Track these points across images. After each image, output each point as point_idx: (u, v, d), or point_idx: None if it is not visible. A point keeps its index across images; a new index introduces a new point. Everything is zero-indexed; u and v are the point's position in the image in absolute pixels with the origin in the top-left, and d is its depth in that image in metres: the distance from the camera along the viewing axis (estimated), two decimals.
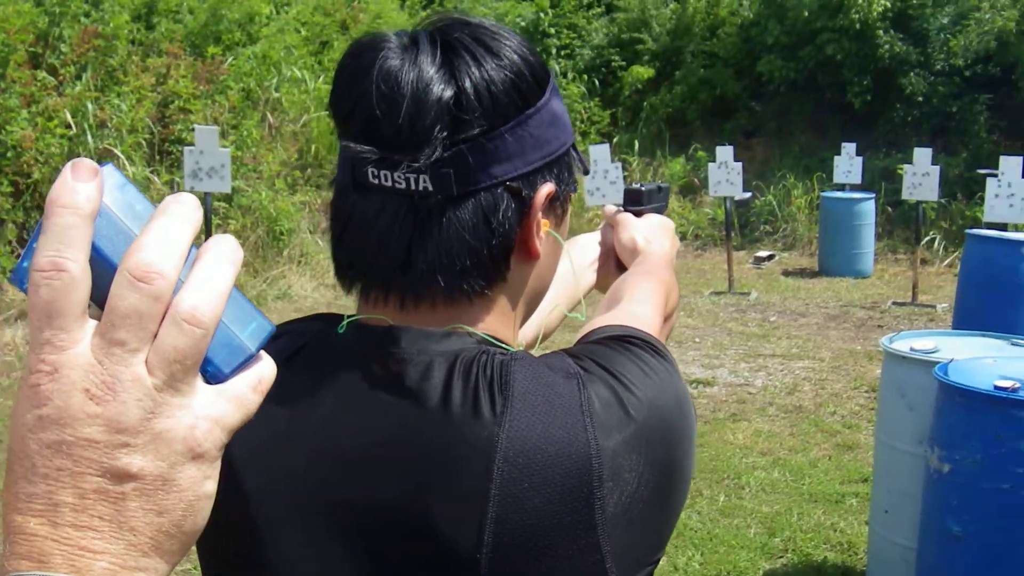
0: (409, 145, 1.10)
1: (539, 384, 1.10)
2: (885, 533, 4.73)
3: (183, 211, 0.65)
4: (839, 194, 13.95)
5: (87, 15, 12.84)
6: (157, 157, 12.47)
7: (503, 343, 1.19)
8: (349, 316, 1.21)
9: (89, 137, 11.73)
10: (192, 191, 9.73)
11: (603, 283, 1.82)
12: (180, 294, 0.64)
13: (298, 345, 1.20)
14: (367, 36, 1.18)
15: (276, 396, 1.13)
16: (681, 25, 19.21)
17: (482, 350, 1.13)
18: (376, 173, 1.12)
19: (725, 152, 12.50)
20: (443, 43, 1.13)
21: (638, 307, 1.42)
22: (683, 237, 15.75)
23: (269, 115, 13.65)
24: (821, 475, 6.55)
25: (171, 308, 0.64)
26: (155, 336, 0.63)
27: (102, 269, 0.64)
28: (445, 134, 1.10)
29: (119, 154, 11.59)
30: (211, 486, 0.67)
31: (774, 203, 16.18)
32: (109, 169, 0.66)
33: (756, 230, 16.16)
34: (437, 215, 1.13)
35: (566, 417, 1.08)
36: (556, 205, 1.23)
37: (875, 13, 16.38)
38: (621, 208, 1.85)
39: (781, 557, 5.54)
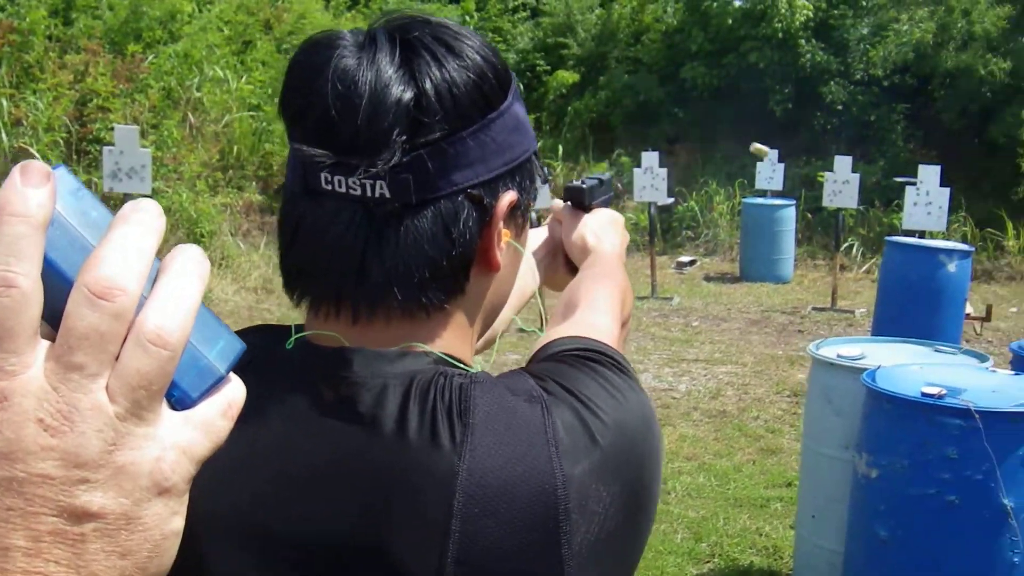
0: (366, 149, 1.03)
1: (501, 409, 1.04)
2: (812, 538, 4.78)
3: (145, 219, 0.59)
4: (760, 200, 14.11)
5: (2, 9, 12.60)
6: (75, 157, 12.25)
7: (461, 362, 1.12)
8: (297, 331, 1.13)
9: (3, 135, 11.51)
10: (111, 192, 9.60)
11: (551, 281, 1.78)
12: (144, 312, 0.58)
13: (243, 362, 1.14)
14: (321, 33, 1.12)
15: None
16: (606, 31, 19.31)
17: (439, 371, 1.07)
18: (330, 178, 1.06)
19: (651, 158, 12.58)
20: (402, 42, 1.07)
21: (596, 316, 1.37)
22: None
23: (190, 115, 13.46)
24: (746, 480, 6.61)
25: (134, 328, 0.57)
26: (116, 359, 0.57)
27: (56, 284, 0.57)
28: (404, 138, 1.04)
29: (35, 153, 11.37)
30: (179, 523, 0.60)
31: (696, 209, 16.33)
32: (62, 172, 0.59)
33: (678, 235, 16.29)
34: (394, 223, 1.06)
35: (530, 446, 1.02)
36: (517, 214, 1.17)
37: (797, 23, 16.61)
38: (566, 199, 1.78)
39: (708, 562, 5.58)
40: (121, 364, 0.57)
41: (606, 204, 1.81)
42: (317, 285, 1.11)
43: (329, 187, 1.06)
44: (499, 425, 1.03)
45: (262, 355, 1.10)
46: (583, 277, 1.56)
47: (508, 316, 1.60)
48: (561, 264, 1.76)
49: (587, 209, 1.75)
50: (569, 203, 1.76)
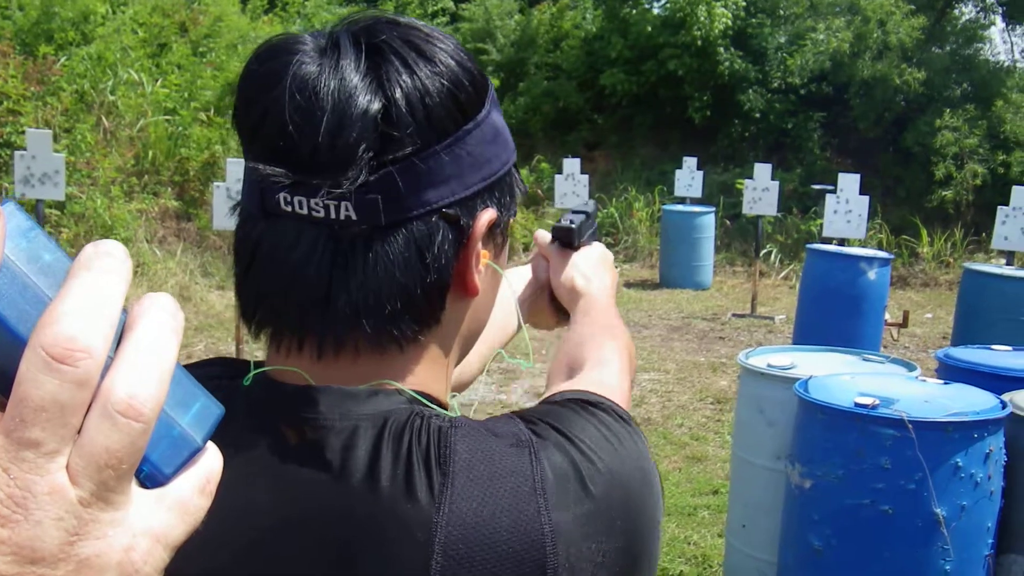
0: (328, 167, 0.93)
1: (484, 456, 0.95)
2: (742, 547, 4.77)
3: (111, 265, 0.51)
4: (680, 207, 14.19)
5: None
6: None
7: (436, 401, 1.03)
8: (256, 366, 1.03)
9: None
10: (23, 198, 9.35)
11: (537, 320, 1.66)
12: (111, 377, 0.49)
13: None
14: (278, 37, 1.01)
15: None
16: (526, 37, 19.32)
17: (415, 412, 0.97)
18: (289, 199, 0.95)
19: (572, 164, 12.61)
20: (369, 46, 0.97)
21: (605, 375, 1.27)
22: (525, 248, 15.84)
23: (104, 119, 13.19)
24: (672, 488, 6.60)
25: (100, 396, 0.49)
26: (79, 433, 0.49)
27: (5, 344, 0.49)
28: (371, 154, 0.93)
29: None
30: None
31: (616, 215, 16.38)
32: (11, 209, 0.51)
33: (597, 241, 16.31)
34: (362, 248, 0.96)
35: (516, 497, 0.93)
36: (496, 233, 1.07)
37: (716, 31, 16.75)
38: (553, 239, 1.63)
39: None
40: (85, 439, 0.49)
41: (593, 238, 1.68)
42: (278, 316, 1.01)
43: (289, 208, 0.96)
44: (481, 473, 0.94)
45: (219, 393, 1.01)
46: (584, 332, 1.43)
47: (487, 356, 1.51)
48: (546, 303, 1.64)
49: (576, 248, 1.62)
50: (556, 242, 1.63)
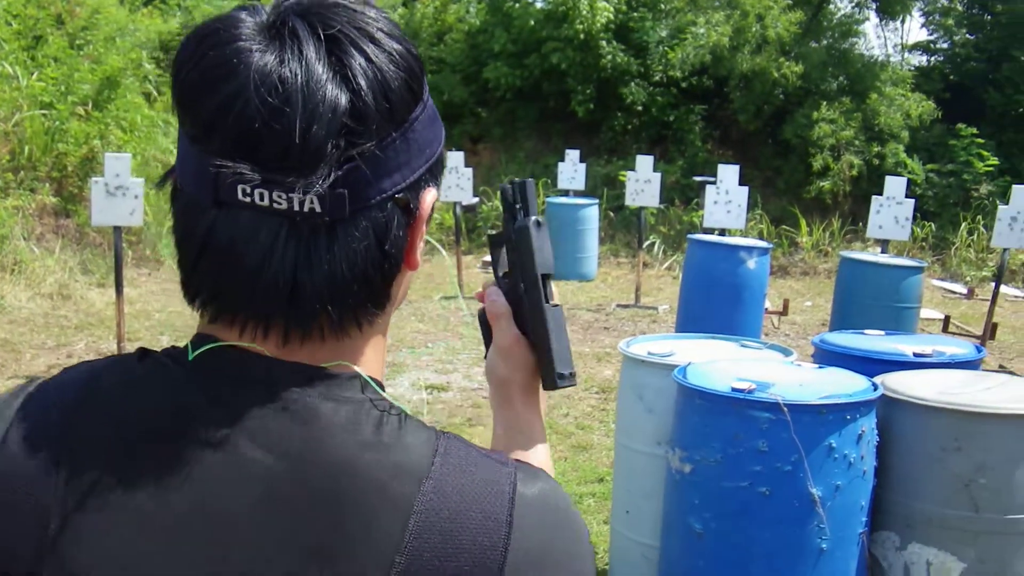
0: (300, 164, 0.92)
1: (466, 462, 1.01)
2: (627, 533, 4.82)
3: None
4: (564, 199, 14.28)
5: None
6: None
7: (382, 387, 1.05)
8: (197, 344, 1.02)
9: None
10: None
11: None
12: None
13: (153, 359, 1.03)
14: (216, 20, 0.98)
15: (116, 472, 0.96)
16: (409, 30, 19.25)
17: (389, 406, 1.02)
18: (249, 191, 0.93)
19: (456, 157, 12.60)
20: (327, 36, 0.95)
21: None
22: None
23: None
24: (559, 477, 6.64)
25: None
26: None
27: None
28: (340, 148, 0.93)
29: None
30: None
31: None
32: None
33: (484, 235, 16.36)
34: (324, 238, 0.96)
35: (488, 494, 0.99)
36: (432, 209, 1.08)
37: (598, 24, 16.88)
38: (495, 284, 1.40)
39: None
40: None
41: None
42: (240, 306, 0.99)
43: (247, 199, 0.94)
44: (461, 474, 1.00)
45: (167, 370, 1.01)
46: (509, 437, 1.37)
47: None
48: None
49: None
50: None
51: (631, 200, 12.49)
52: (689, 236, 10.02)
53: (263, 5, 1.01)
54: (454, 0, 19.96)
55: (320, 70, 0.93)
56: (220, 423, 0.97)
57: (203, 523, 0.96)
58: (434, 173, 1.06)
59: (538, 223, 1.29)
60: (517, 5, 17.64)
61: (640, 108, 17.43)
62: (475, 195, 15.02)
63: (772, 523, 3.88)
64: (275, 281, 0.96)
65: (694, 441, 4.02)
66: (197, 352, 1.01)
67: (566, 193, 14.36)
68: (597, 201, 14.61)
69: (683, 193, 16.60)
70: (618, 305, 12.43)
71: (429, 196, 1.05)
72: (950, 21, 18.87)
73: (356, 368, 1.03)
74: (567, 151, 14.42)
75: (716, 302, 8.84)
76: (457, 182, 12.51)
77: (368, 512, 0.95)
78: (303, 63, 0.93)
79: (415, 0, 20.48)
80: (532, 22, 17.34)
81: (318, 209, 0.94)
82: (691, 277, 9.40)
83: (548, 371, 1.23)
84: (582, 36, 16.95)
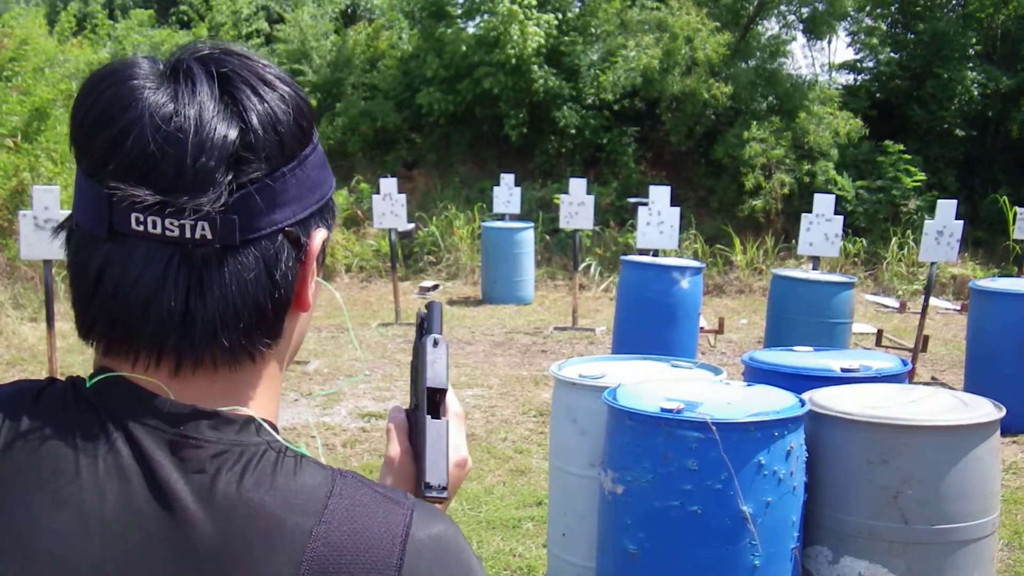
0: (191, 188, 0.96)
1: (360, 494, 1.03)
2: (564, 555, 4.84)
3: None
4: (499, 224, 14.30)
5: None
6: None
7: (273, 426, 1.07)
8: (102, 373, 1.03)
9: None
10: None
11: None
12: None
13: (40, 388, 1.04)
14: (115, 62, 1.03)
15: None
16: (342, 57, 19.27)
17: (281, 447, 1.03)
18: (142, 219, 0.97)
19: (389, 184, 12.59)
20: (220, 75, 1.01)
21: None
22: (348, 269, 15.76)
23: None
24: (497, 501, 6.65)
25: None
26: None
27: None
28: (231, 176, 0.98)
29: None
30: None
31: (437, 233, 16.43)
32: None
33: (420, 260, 16.36)
34: (216, 266, 0.99)
35: (386, 519, 1.01)
36: (323, 252, 1.12)
37: (530, 49, 16.96)
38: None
39: None
40: None
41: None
42: (133, 336, 1.01)
43: (140, 228, 0.98)
44: (353, 513, 1.01)
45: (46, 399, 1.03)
46: None
47: None
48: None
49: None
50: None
51: (565, 223, 12.54)
52: (622, 257, 10.08)
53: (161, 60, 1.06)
54: (386, 27, 19.98)
55: (212, 104, 0.99)
56: (106, 467, 0.98)
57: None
58: (324, 215, 1.10)
59: (435, 341, 1.32)
60: (449, 31, 17.68)
61: (573, 131, 17.53)
62: (410, 221, 15.02)
63: (705, 541, 3.91)
64: (167, 309, 0.99)
65: (625, 462, 4.05)
66: (94, 381, 1.03)
67: (502, 217, 14.39)
68: (533, 224, 14.65)
69: (618, 215, 16.70)
70: (555, 328, 12.46)
71: (319, 236, 1.08)
72: (874, 40, 19.17)
73: (249, 412, 1.04)
74: (502, 175, 14.46)
75: (650, 323, 8.91)
76: (392, 209, 12.50)
77: (259, 559, 0.96)
78: (196, 97, 0.99)
79: (347, 27, 20.48)
80: (464, 48, 17.38)
81: (209, 235, 0.98)
82: (625, 298, 9.46)
83: (419, 480, 1.25)
84: (514, 61, 17.02)
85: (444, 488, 1.19)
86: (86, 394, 1.02)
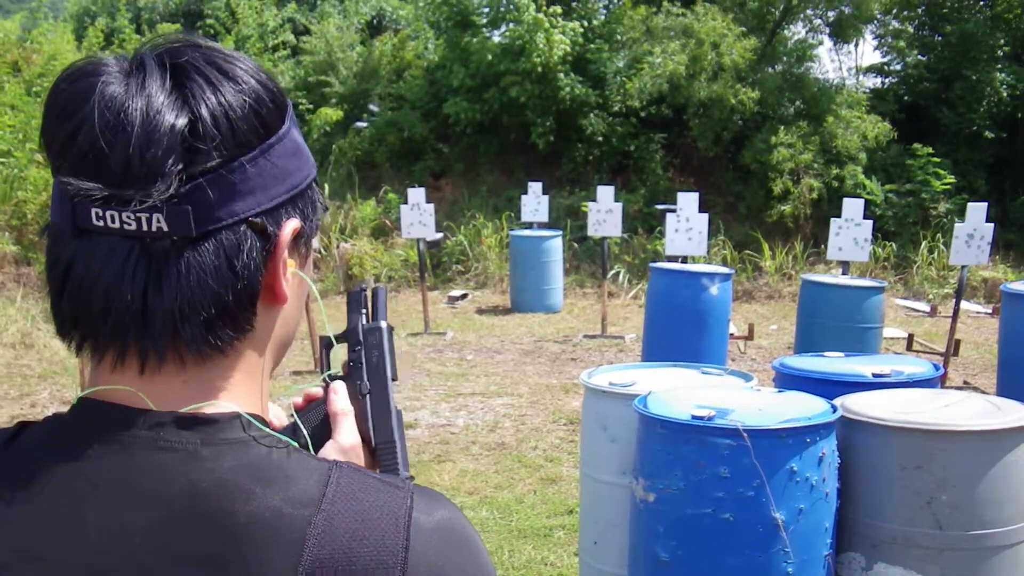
0: (140, 180, 0.97)
1: (358, 481, 1.04)
2: (595, 564, 4.82)
3: None
4: (527, 232, 14.31)
5: None
6: None
7: (262, 420, 1.07)
8: (82, 393, 1.05)
9: None
10: None
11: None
12: None
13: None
14: (84, 60, 1.04)
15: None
16: (368, 68, 19.33)
17: (276, 441, 1.05)
18: (101, 214, 0.98)
19: (417, 194, 12.62)
20: (173, 66, 1.01)
21: None
22: (376, 279, 15.79)
23: None
24: (528, 510, 6.65)
25: None
26: None
27: None
28: (180, 166, 0.98)
29: None
30: None
31: (465, 243, 16.45)
32: None
33: (449, 270, 16.38)
34: (174, 258, 1.00)
35: (388, 505, 1.02)
36: (301, 243, 1.12)
37: (556, 57, 16.98)
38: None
39: None
40: None
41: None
42: (97, 331, 1.03)
43: (101, 223, 0.99)
44: (351, 495, 1.02)
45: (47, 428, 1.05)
46: None
47: None
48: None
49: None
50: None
51: (594, 231, 12.53)
52: (651, 265, 10.07)
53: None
54: (412, 37, 20.05)
55: (161, 95, 0.99)
56: (99, 482, 1.00)
57: None
58: (298, 205, 1.10)
59: (391, 328, 1.32)
60: (475, 40, 17.71)
61: (600, 139, 17.52)
62: (439, 230, 15.04)
63: (737, 549, 3.89)
64: (126, 303, 1.00)
65: (656, 470, 4.04)
66: (77, 410, 1.04)
67: (530, 225, 14.39)
68: (561, 233, 14.64)
69: (646, 222, 16.68)
70: (585, 336, 12.45)
71: (290, 225, 1.07)
72: (902, 43, 19.08)
73: (233, 408, 1.05)
74: (529, 184, 14.46)
75: (680, 329, 8.88)
76: (420, 218, 12.52)
77: (259, 552, 0.97)
78: (145, 89, 0.99)
79: (373, 38, 20.54)
80: (490, 57, 17.41)
81: (165, 228, 0.98)
82: (654, 305, 9.44)
83: (384, 469, 1.25)
84: (540, 69, 17.04)
85: (413, 479, 1.18)
86: (69, 420, 1.04)
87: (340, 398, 1.33)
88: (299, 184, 1.09)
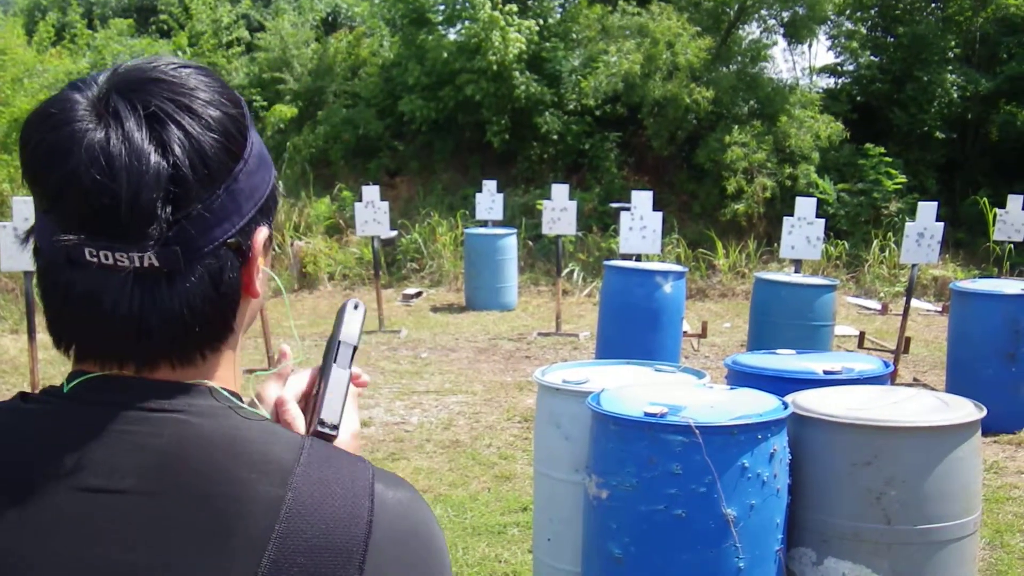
0: (131, 228, 1.05)
1: (328, 451, 1.14)
2: (549, 561, 4.84)
3: None
4: (482, 230, 14.30)
5: None
6: None
7: (235, 395, 1.17)
8: (78, 378, 1.14)
9: None
10: None
11: None
12: None
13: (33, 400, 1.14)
14: (51, 103, 1.11)
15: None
16: (323, 65, 19.25)
17: (245, 411, 1.14)
18: (95, 252, 1.06)
19: (371, 191, 12.58)
20: (147, 115, 1.08)
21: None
22: (331, 277, 15.74)
23: None
24: (482, 507, 6.65)
25: None
26: None
27: None
28: (169, 210, 1.06)
29: None
30: None
31: (420, 241, 16.42)
32: None
33: (403, 268, 16.35)
34: (165, 286, 1.09)
35: (351, 471, 1.11)
36: (266, 244, 1.21)
37: (511, 55, 16.97)
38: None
39: None
40: None
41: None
42: (98, 349, 1.12)
43: (95, 260, 1.06)
44: (323, 469, 1.10)
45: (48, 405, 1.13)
46: None
47: None
48: None
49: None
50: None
51: (548, 229, 12.55)
52: (605, 263, 10.10)
53: (94, 75, 1.14)
54: (367, 34, 19.97)
55: (143, 146, 1.06)
56: (91, 451, 1.08)
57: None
58: (264, 212, 1.19)
59: (356, 304, 1.42)
60: (430, 38, 17.67)
61: (555, 137, 17.54)
62: (393, 228, 15.01)
63: (689, 545, 3.92)
64: (124, 325, 1.09)
65: (609, 467, 4.06)
66: (72, 384, 1.13)
67: (484, 224, 14.38)
68: (516, 231, 14.64)
69: (601, 220, 16.71)
70: (539, 333, 12.47)
71: (261, 234, 1.17)
72: (855, 44, 19.23)
73: (209, 383, 1.15)
74: (484, 182, 14.44)
75: (634, 327, 8.93)
76: (374, 216, 12.49)
77: (236, 511, 1.05)
78: (127, 141, 1.05)
79: (328, 35, 20.46)
80: (445, 54, 17.38)
81: (156, 264, 1.07)
82: (608, 303, 9.48)
83: (312, 418, 1.32)
84: (495, 67, 17.03)
85: (336, 427, 1.27)
86: (63, 399, 1.13)
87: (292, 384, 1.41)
88: (264, 194, 1.18)
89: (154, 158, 1.05)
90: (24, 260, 8.26)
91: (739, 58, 18.59)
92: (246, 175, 1.14)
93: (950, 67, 18.06)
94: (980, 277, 13.35)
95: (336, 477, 1.10)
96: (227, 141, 1.12)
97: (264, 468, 1.07)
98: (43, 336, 8.64)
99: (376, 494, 1.10)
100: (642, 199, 11.05)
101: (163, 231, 1.05)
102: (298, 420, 1.33)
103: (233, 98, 1.17)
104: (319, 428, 1.28)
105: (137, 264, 1.06)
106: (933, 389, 8.33)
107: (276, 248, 15.33)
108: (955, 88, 17.80)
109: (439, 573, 1.16)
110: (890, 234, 16.11)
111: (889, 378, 5.24)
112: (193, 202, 1.08)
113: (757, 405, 4.15)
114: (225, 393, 1.15)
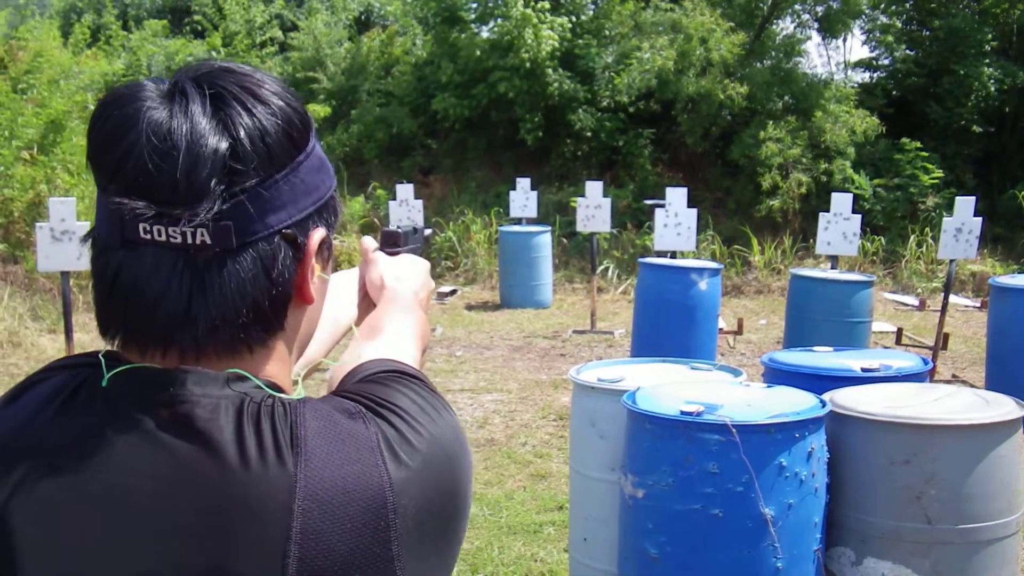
0: (187, 199, 1.07)
1: (329, 424, 1.11)
2: (585, 560, 4.82)
3: None
4: (516, 228, 14.29)
5: None
6: None
7: (282, 390, 1.17)
8: (108, 360, 1.15)
9: None
10: None
11: (363, 319, 1.80)
12: None
13: (75, 384, 1.14)
14: (123, 86, 1.14)
15: (53, 448, 1.10)
16: (356, 64, 19.29)
17: (266, 395, 1.13)
18: (148, 228, 1.08)
19: (405, 190, 12.61)
20: (212, 94, 1.11)
21: (400, 341, 1.48)
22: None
23: None
24: (518, 506, 6.64)
25: None
26: None
27: None
28: (223, 186, 1.08)
29: None
30: None
31: (454, 238, 16.43)
32: None
33: (438, 266, 16.35)
34: (216, 268, 1.10)
35: (359, 453, 1.10)
36: (324, 248, 1.22)
37: (544, 52, 16.95)
38: (378, 247, 1.84)
39: None
40: None
41: (415, 252, 1.87)
42: (144, 333, 1.13)
43: (148, 236, 1.09)
44: (329, 439, 1.10)
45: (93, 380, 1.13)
46: (384, 309, 1.66)
47: (327, 343, 1.70)
48: (369, 304, 1.80)
49: (396, 254, 1.82)
50: (381, 247, 1.82)
51: (582, 226, 12.52)
52: (640, 260, 10.06)
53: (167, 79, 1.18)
54: (400, 33, 20.01)
55: (203, 121, 1.09)
56: (125, 436, 1.09)
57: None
58: (323, 215, 1.21)
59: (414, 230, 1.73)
60: (463, 36, 17.68)
61: (589, 134, 17.51)
62: (427, 226, 15.00)
63: (726, 544, 3.89)
64: (173, 308, 1.10)
65: (645, 466, 4.03)
66: (107, 377, 1.13)
67: (519, 221, 14.37)
68: (550, 228, 14.62)
69: (635, 217, 16.67)
70: (574, 331, 12.44)
71: (317, 234, 1.19)
72: (890, 38, 19.08)
73: (246, 373, 1.15)
74: (518, 179, 14.43)
75: (669, 325, 8.88)
76: (407, 214, 12.52)
77: (253, 513, 1.06)
78: (189, 116, 1.09)
79: (361, 34, 20.50)
80: (478, 52, 17.37)
81: (208, 241, 1.08)
82: (643, 301, 9.44)
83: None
84: (528, 65, 17.01)
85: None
86: (101, 389, 1.13)
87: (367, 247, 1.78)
88: (323, 196, 1.21)
89: (214, 135, 1.08)
90: (61, 260, 8.33)
91: (773, 53, 18.49)
92: (307, 170, 1.17)
93: (987, 60, 17.88)
94: (1019, 272, 13.21)
95: (343, 436, 1.11)
96: (289, 128, 1.15)
97: (280, 450, 1.08)
98: (80, 336, 8.71)
99: (387, 464, 1.11)
100: (677, 196, 11.01)
101: (217, 207, 1.07)
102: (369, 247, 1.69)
103: (298, 97, 1.19)
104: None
105: (189, 240, 1.08)
106: (972, 386, 8.26)
107: None
108: (992, 81, 17.62)
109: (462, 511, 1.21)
110: (927, 229, 15.98)
111: (928, 375, 5.19)
112: (250, 180, 1.10)
113: (794, 403, 4.11)
114: (261, 382, 1.15)
